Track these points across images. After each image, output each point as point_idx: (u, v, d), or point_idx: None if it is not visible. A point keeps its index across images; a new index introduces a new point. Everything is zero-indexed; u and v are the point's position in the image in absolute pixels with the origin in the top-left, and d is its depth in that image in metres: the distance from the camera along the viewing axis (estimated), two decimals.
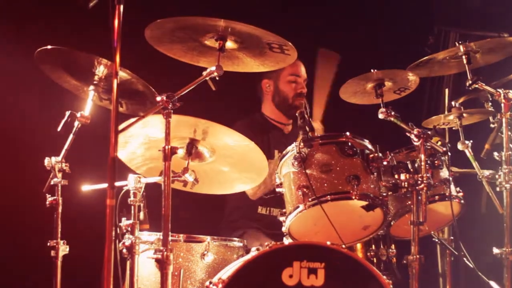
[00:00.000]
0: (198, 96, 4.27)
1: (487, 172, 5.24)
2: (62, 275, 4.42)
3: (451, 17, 7.16)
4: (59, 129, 4.44)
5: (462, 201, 4.83)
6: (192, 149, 4.35)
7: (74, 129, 4.44)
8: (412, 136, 4.49)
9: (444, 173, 4.77)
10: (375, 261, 4.84)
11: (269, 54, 4.34)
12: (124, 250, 4.28)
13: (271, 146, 5.70)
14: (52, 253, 4.41)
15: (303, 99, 5.86)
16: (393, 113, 4.65)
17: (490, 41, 5.12)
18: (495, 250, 4.96)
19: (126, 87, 4.37)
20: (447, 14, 7.20)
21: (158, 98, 3.97)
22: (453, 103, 5.38)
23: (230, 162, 4.58)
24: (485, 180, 5.25)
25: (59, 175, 4.40)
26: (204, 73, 4.17)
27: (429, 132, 4.51)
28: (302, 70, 5.95)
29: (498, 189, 5.03)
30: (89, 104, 4.47)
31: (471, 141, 5.32)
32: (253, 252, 4.31)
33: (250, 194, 5.57)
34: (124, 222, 4.29)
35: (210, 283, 4.23)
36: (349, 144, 4.49)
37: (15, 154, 5.86)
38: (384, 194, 4.49)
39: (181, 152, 4.25)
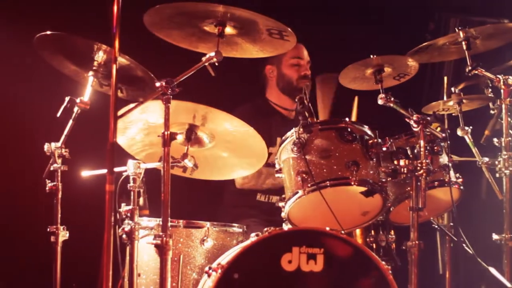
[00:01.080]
0: (198, 81, 4.26)
1: (486, 158, 5.24)
2: (62, 261, 4.44)
3: (452, 3, 7.14)
4: (58, 114, 4.44)
5: (462, 187, 4.83)
6: (191, 134, 4.35)
7: (74, 114, 4.44)
8: (412, 122, 4.48)
9: (444, 159, 4.77)
10: (374, 247, 4.85)
11: (268, 39, 4.33)
12: (124, 236, 4.30)
13: (273, 133, 5.69)
14: (52, 238, 4.42)
15: (308, 81, 5.84)
16: (392, 99, 4.65)
17: (490, 27, 5.11)
18: (495, 236, 4.98)
19: (126, 73, 4.37)
20: (448, 0, 7.18)
21: (157, 84, 3.96)
22: (452, 89, 5.38)
23: (229, 148, 4.59)
24: (484, 166, 5.25)
25: (59, 160, 4.40)
26: (203, 58, 4.16)
27: (429, 118, 4.51)
28: (305, 52, 5.93)
29: (497, 175, 5.05)
30: (88, 89, 4.47)
31: (471, 127, 5.32)
32: (252, 238, 4.31)
33: (238, 183, 5.59)
34: (124, 207, 4.30)
35: (210, 268, 4.24)
36: (349, 129, 4.49)
37: (14, 140, 5.86)
38: (384, 180, 4.49)
39: (180, 137, 4.24)
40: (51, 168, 4.40)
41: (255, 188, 5.59)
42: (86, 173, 4.49)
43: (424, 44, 5.06)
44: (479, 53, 5.17)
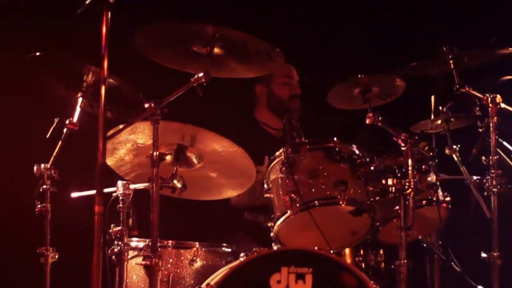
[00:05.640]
0: (186, 102, 4.27)
1: (474, 177, 5.24)
2: (51, 282, 4.42)
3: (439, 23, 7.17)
4: (48, 136, 4.45)
5: (450, 206, 4.85)
6: (180, 155, 4.35)
7: (63, 135, 4.45)
8: (399, 141, 4.50)
9: (432, 177, 4.78)
10: (363, 266, 4.85)
11: (257, 60, 4.34)
12: (113, 257, 4.30)
13: (262, 153, 5.69)
14: (42, 260, 4.41)
15: (298, 100, 5.87)
16: (380, 118, 4.66)
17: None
18: (483, 254, 4.97)
19: (114, 94, 4.37)
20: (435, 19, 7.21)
21: (146, 105, 3.98)
22: (440, 107, 5.39)
23: (218, 168, 4.59)
24: (473, 185, 5.25)
25: (48, 182, 4.39)
26: (192, 79, 4.17)
27: (416, 137, 4.52)
28: (294, 72, 5.97)
29: (485, 193, 5.04)
30: (77, 110, 4.47)
31: (459, 145, 5.33)
32: (241, 258, 4.31)
33: (233, 200, 5.56)
34: (113, 228, 4.29)
35: None
36: (337, 149, 4.50)
37: (3, 161, 5.85)
38: (372, 199, 4.50)
39: (169, 158, 4.25)
40: (41, 190, 4.39)
41: (249, 205, 5.55)
42: (75, 194, 4.49)
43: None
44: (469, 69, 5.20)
